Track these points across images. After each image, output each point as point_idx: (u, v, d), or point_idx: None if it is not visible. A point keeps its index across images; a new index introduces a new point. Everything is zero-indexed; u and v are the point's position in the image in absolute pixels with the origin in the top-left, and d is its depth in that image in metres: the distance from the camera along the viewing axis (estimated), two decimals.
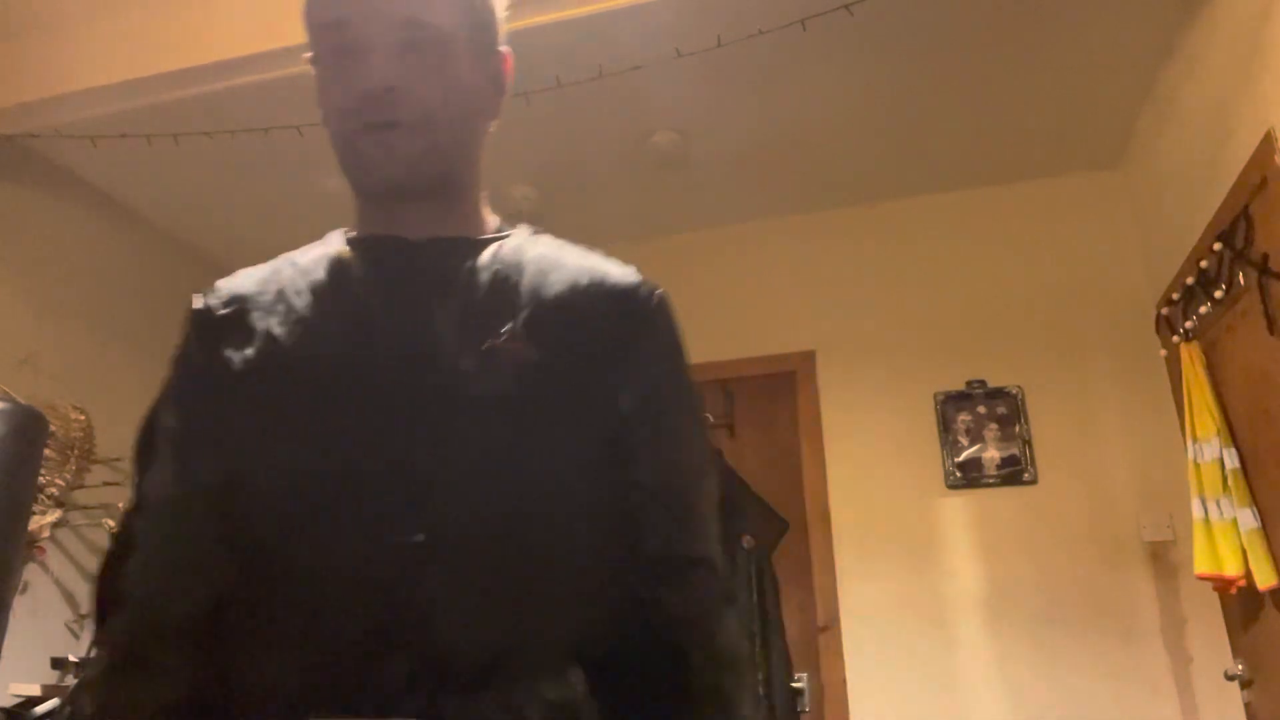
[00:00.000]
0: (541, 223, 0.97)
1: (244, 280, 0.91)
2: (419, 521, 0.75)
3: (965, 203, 3.50)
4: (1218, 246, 2.45)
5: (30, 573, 2.83)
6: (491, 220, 0.94)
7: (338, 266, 0.88)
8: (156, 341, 3.91)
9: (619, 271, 0.90)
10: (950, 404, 3.28)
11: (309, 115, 3.27)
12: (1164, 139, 2.94)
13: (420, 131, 0.83)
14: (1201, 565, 2.48)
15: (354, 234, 0.92)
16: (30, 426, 2.24)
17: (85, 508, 3.03)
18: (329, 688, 0.72)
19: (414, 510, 0.75)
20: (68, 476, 2.96)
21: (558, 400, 0.81)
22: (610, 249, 0.92)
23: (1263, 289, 2.27)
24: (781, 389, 3.48)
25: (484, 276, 0.86)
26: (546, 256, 0.89)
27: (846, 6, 2.35)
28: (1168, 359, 2.97)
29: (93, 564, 3.09)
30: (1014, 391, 3.25)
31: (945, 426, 3.26)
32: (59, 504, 2.92)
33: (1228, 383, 2.56)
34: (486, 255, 0.88)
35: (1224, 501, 2.44)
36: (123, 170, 3.15)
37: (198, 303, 0.90)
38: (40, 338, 3.00)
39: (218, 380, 0.84)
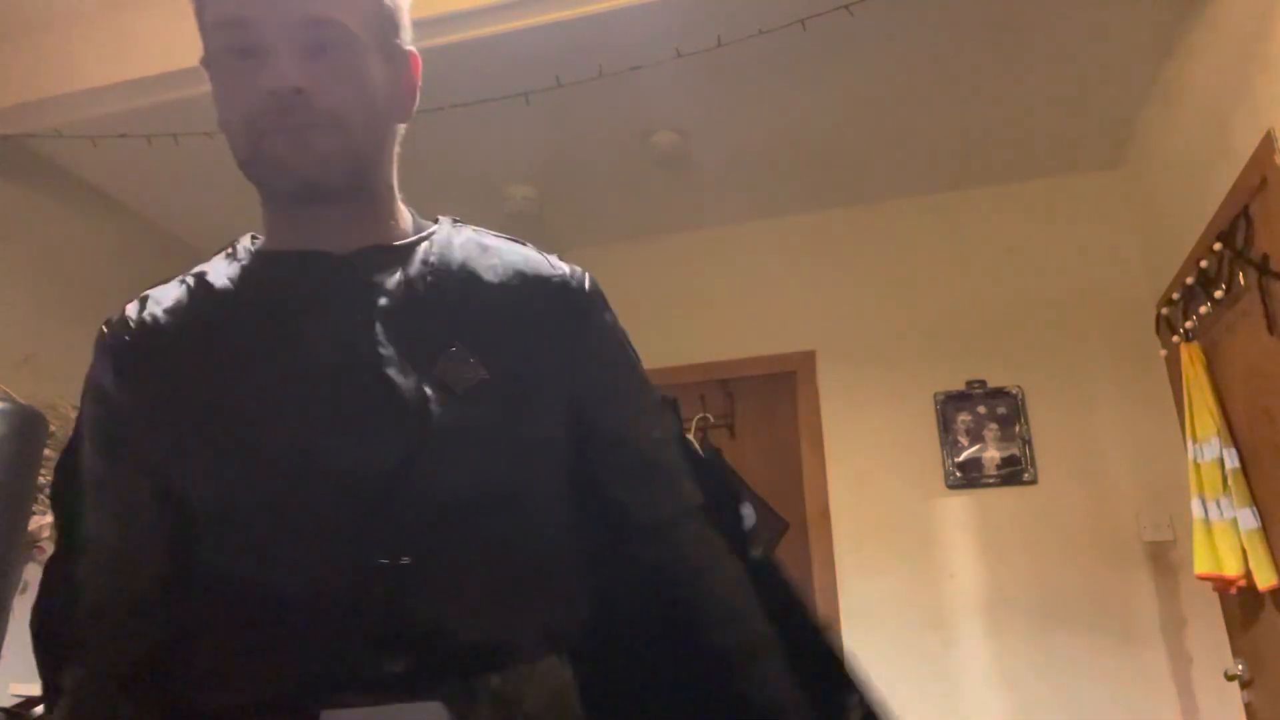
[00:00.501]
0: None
1: (152, 305, 0.87)
2: (402, 544, 0.75)
3: (965, 203, 3.50)
4: (1218, 246, 2.45)
5: (30, 573, 2.83)
6: (407, 216, 0.92)
7: (261, 285, 0.85)
8: None
9: (547, 264, 0.92)
10: (950, 404, 3.28)
11: None
12: (1164, 139, 2.94)
13: (332, 132, 0.80)
14: (1201, 565, 2.48)
15: (267, 246, 0.88)
16: (30, 426, 2.24)
17: None
18: (334, 681, 0.73)
19: (396, 533, 0.75)
20: None
21: (510, 410, 0.82)
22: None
23: (1263, 289, 2.27)
24: (781, 389, 3.48)
25: (418, 288, 0.85)
26: (474, 255, 0.89)
27: (846, 6, 2.35)
28: (1168, 359, 2.97)
29: None
30: (1014, 391, 3.25)
31: (945, 426, 3.26)
32: None
33: (1228, 383, 2.56)
34: (414, 263, 0.86)
35: (1224, 501, 2.44)
36: (123, 170, 3.15)
37: (106, 334, 0.86)
38: (40, 338, 3.00)
39: (140, 412, 0.82)
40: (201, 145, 2.86)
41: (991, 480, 3.19)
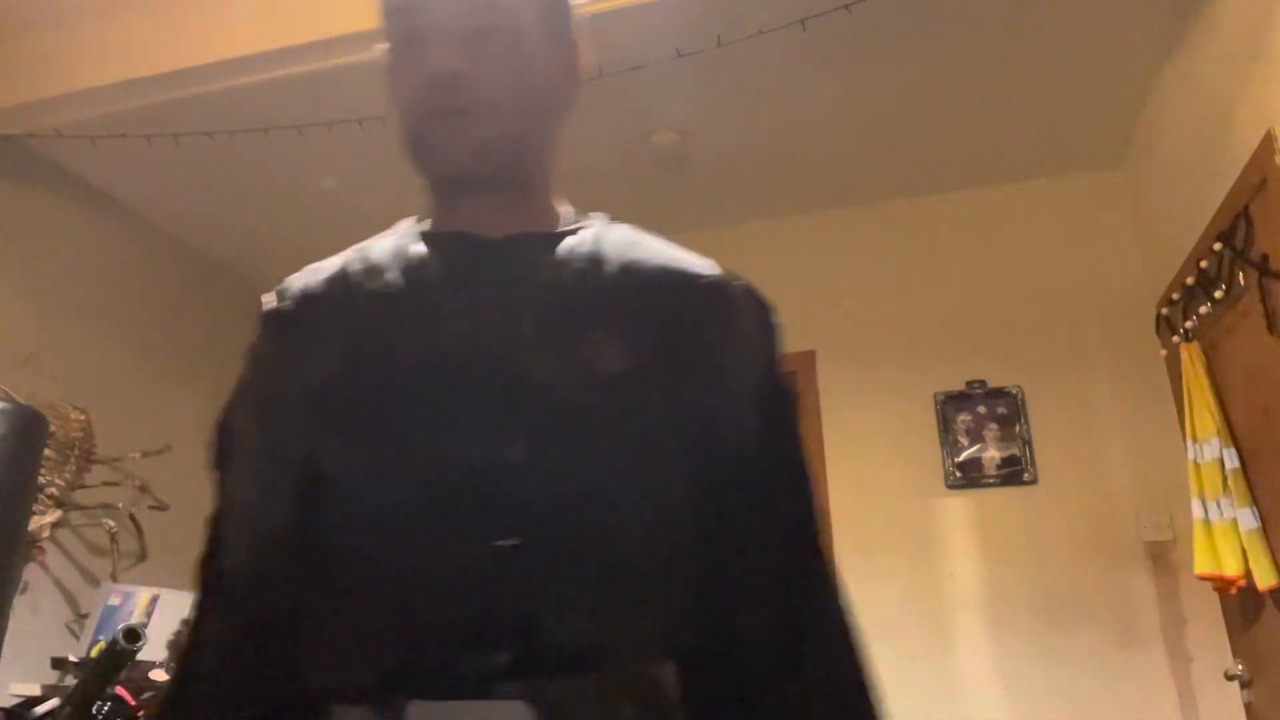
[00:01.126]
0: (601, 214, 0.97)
1: (313, 278, 0.89)
2: (513, 526, 0.74)
3: (965, 203, 3.50)
4: (1218, 246, 2.45)
5: (30, 573, 2.83)
6: (563, 210, 0.92)
7: (413, 265, 0.85)
8: (157, 341, 3.94)
9: (700, 264, 0.89)
10: (950, 404, 3.28)
11: (309, 115, 3.26)
12: (1164, 139, 2.94)
13: (489, 119, 0.80)
14: (1201, 565, 2.48)
15: (425, 228, 0.89)
16: (30, 426, 2.24)
17: (85, 508, 3.03)
18: (428, 674, 0.72)
19: (508, 515, 0.75)
20: (68, 476, 2.96)
21: (645, 407, 0.80)
22: None
23: (1263, 289, 2.27)
24: None
25: (566, 278, 0.84)
26: (625, 252, 0.87)
27: (846, 6, 2.35)
28: (1168, 359, 2.97)
29: (93, 564, 3.09)
30: (1014, 391, 3.25)
31: (945, 426, 3.26)
32: (59, 504, 2.92)
33: (1228, 383, 2.56)
34: (564, 251, 0.86)
35: (1224, 501, 2.44)
36: (123, 170, 3.15)
37: (268, 302, 0.89)
38: (41, 338, 3.00)
39: (292, 382, 0.83)
40: (201, 145, 2.86)
41: (991, 480, 3.19)
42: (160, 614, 2.76)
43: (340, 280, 0.87)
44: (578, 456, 0.77)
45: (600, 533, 0.76)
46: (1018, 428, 3.21)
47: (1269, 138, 2.16)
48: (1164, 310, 2.92)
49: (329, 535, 0.79)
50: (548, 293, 0.83)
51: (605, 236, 0.89)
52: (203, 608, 0.83)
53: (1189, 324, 2.71)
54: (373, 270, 0.86)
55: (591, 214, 0.93)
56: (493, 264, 0.84)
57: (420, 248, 0.87)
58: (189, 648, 0.83)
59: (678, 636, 0.78)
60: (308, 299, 0.87)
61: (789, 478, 0.86)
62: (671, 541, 0.80)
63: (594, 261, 0.85)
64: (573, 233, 0.88)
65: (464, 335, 0.81)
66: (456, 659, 0.72)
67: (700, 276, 0.87)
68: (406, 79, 0.82)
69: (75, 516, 3.02)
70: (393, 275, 0.85)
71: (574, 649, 0.74)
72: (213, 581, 0.84)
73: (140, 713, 2.04)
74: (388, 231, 0.91)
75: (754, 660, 0.80)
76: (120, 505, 3.11)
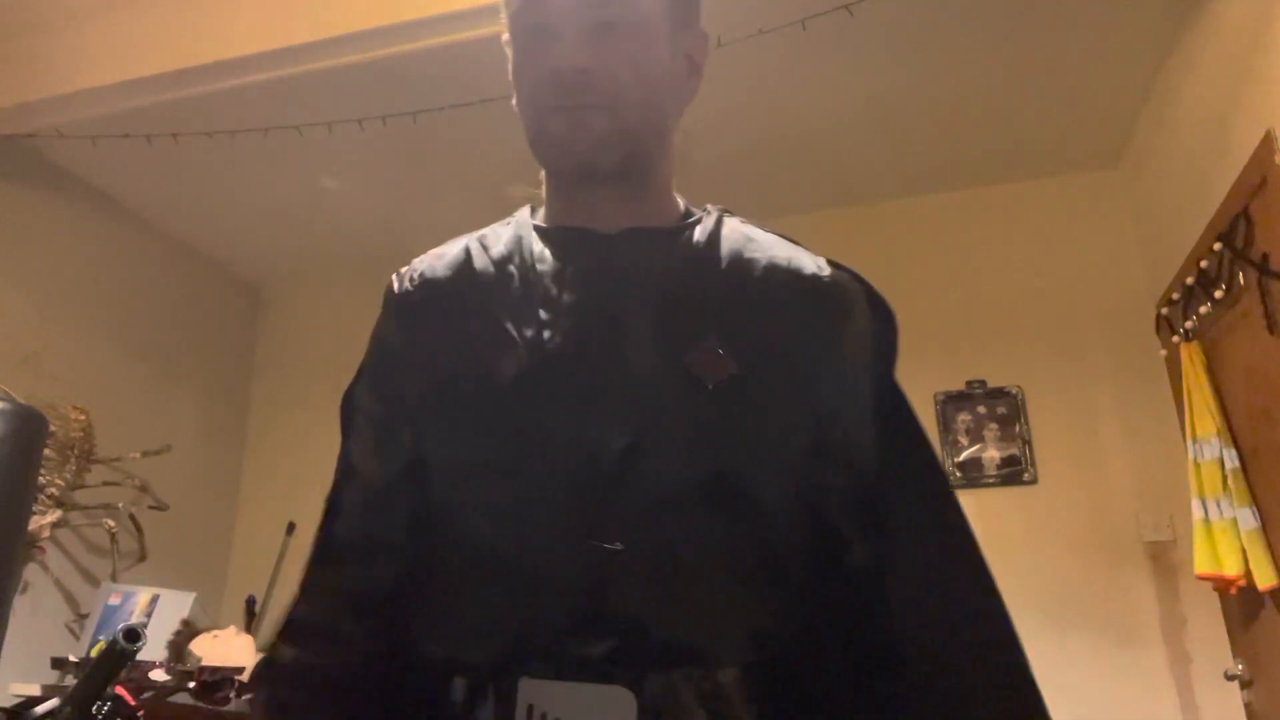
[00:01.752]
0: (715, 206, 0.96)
1: (437, 263, 0.91)
2: (620, 525, 0.75)
3: (965, 203, 3.50)
4: (1218, 246, 2.45)
5: (30, 573, 2.83)
6: (679, 204, 0.92)
7: (530, 258, 0.87)
8: (157, 341, 3.94)
9: (812, 263, 0.88)
10: (950, 404, 3.28)
11: (309, 115, 3.25)
12: (1164, 139, 2.94)
13: (612, 113, 0.81)
14: (1201, 565, 2.48)
15: (542, 221, 0.90)
16: (30, 426, 2.24)
17: (85, 508, 3.03)
18: (538, 656, 0.74)
19: (614, 517, 0.75)
20: (68, 476, 2.96)
21: (755, 411, 0.80)
22: None
23: (1263, 289, 2.27)
24: None
25: (678, 274, 0.85)
26: (739, 248, 0.87)
27: (846, 6, 2.35)
28: (1168, 359, 2.97)
29: (93, 564, 3.09)
30: (1014, 391, 3.25)
31: (945, 426, 3.27)
32: (59, 504, 2.92)
33: (1228, 383, 2.56)
34: (680, 249, 0.86)
35: (1224, 501, 2.44)
36: (123, 170, 3.15)
37: (394, 285, 0.92)
38: (41, 338, 3.01)
39: (412, 362, 0.86)
40: (201, 145, 2.86)
41: (991, 480, 3.19)
42: (160, 614, 2.77)
43: (462, 269, 0.88)
44: (678, 457, 0.77)
45: (706, 536, 0.77)
46: (1018, 428, 3.21)
47: (1269, 138, 2.16)
48: (1164, 310, 2.92)
49: (444, 518, 0.81)
50: (661, 290, 0.83)
51: (719, 231, 0.89)
52: (312, 571, 0.86)
53: (1189, 324, 2.71)
54: (493, 261, 0.88)
55: (708, 206, 0.93)
56: (607, 259, 0.85)
57: (537, 241, 0.88)
58: (295, 603, 0.86)
59: (772, 636, 0.79)
60: (430, 284, 0.89)
61: (920, 472, 0.86)
62: (773, 548, 0.80)
63: (708, 258, 0.86)
64: (688, 227, 0.89)
65: (571, 330, 0.81)
66: (564, 644, 0.74)
67: (815, 274, 0.87)
68: (531, 72, 0.84)
69: (75, 516, 3.02)
70: (511, 268, 0.86)
71: (675, 645, 0.75)
72: (325, 548, 0.87)
73: (140, 713, 2.04)
74: (505, 221, 0.93)
75: (838, 677, 0.80)
76: (120, 505, 3.11)
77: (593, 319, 0.82)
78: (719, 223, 0.90)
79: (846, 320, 0.86)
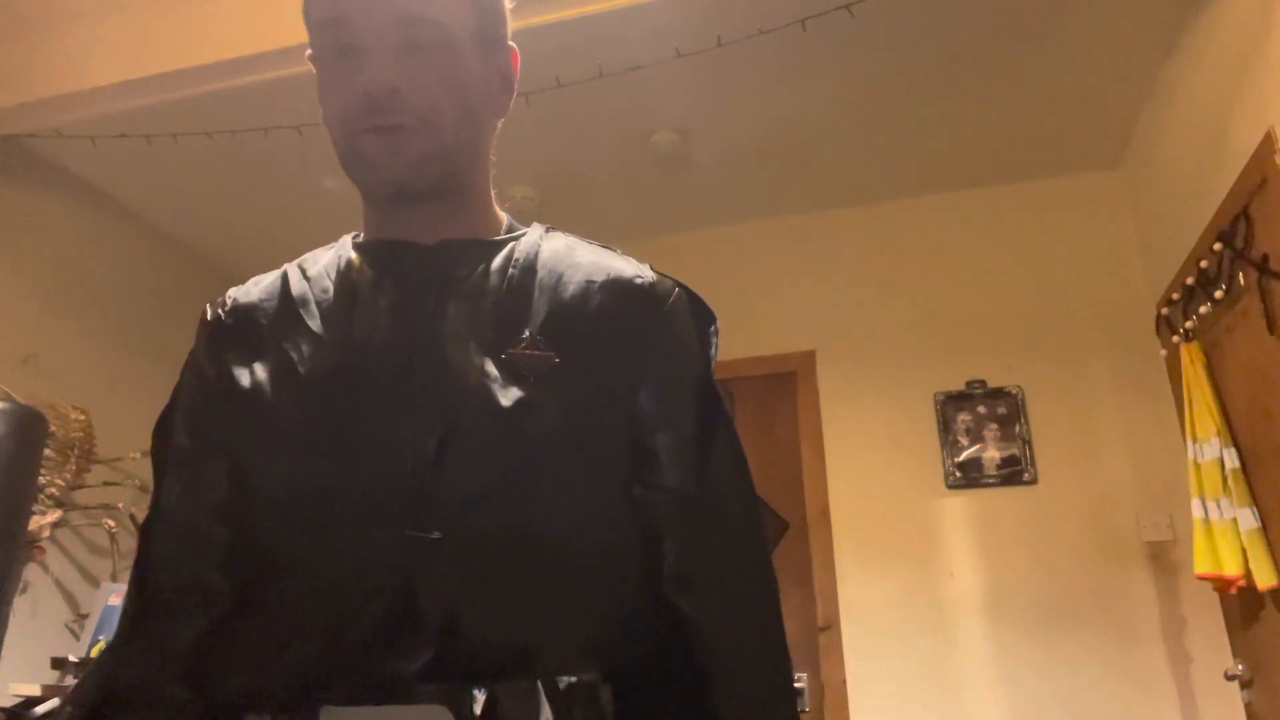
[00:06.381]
0: (541, 223, 0.97)
1: (252, 289, 0.89)
2: (432, 521, 0.73)
3: (965, 203, 3.50)
4: (1218, 246, 2.45)
5: (30, 573, 2.83)
6: (502, 218, 0.92)
7: (346, 273, 0.87)
8: (157, 341, 3.94)
9: (633, 269, 0.88)
10: (950, 404, 3.28)
11: (308, 115, 3.25)
12: (1164, 139, 2.94)
13: (426, 133, 0.80)
14: (1201, 565, 2.48)
15: (361, 239, 0.90)
16: (30, 426, 2.24)
17: (85, 508, 3.03)
18: (343, 676, 0.71)
19: (427, 511, 0.74)
20: (68, 476, 2.96)
21: (575, 405, 0.79)
22: None
23: (1263, 289, 2.27)
24: (781, 389, 3.48)
25: (497, 279, 0.84)
26: (560, 255, 0.87)
27: (846, 6, 2.35)
28: (1168, 359, 2.97)
29: (93, 564, 3.09)
30: (1014, 391, 3.25)
31: (945, 426, 3.27)
32: (59, 504, 2.92)
33: (1228, 383, 2.56)
34: (500, 257, 0.86)
35: (1224, 501, 2.44)
36: (123, 170, 3.15)
37: (207, 313, 0.90)
38: (41, 338, 3.00)
39: (225, 391, 0.83)
40: (201, 145, 2.86)
41: (991, 480, 3.19)
42: None
43: (275, 291, 0.88)
44: (498, 454, 0.76)
45: (521, 532, 0.75)
46: (1018, 428, 3.21)
47: (1269, 138, 2.16)
48: (1164, 310, 2.92)
49: (250, 542, 0.78)
50: (480, 291, 0.83)
51: (540, 243, 0.89)
52: (123, 624, 0.81)
53: (1189, 324, 2.71)
54: (308, 279, 0.87)
55: (533, 223, 0.93)
56: (420, 267, 0.84)
57: (354, 257, 0.88)
58: (110, 650, 0.81)
59: (606, 647, 0.77)
60: (242, 310, 0.87)
61: (724, 484, 0.85)
62: (598, 546, 0.78)
63: (524, 264, 0.86)
64: (511, 239, 0.89)
65: (387, 336, 0.81)
66: (374, 660, 0.70)
67: (636, 277, 0.87)
68: (339, 94, 0.82)
69: (75, 516, 3.02)
70: (325, 284, 0.86)
71: (497, 652, 0.72)
72: (140, 589, 0.82)
73: None
74: (328, 245, 0.92)
75: (691, 673, 0.78)
76: (120, 505, 3.11)
77: (409, 323, 0.81)
78: (542, 236, 0.90)
79: (666, 321, 0.86)
